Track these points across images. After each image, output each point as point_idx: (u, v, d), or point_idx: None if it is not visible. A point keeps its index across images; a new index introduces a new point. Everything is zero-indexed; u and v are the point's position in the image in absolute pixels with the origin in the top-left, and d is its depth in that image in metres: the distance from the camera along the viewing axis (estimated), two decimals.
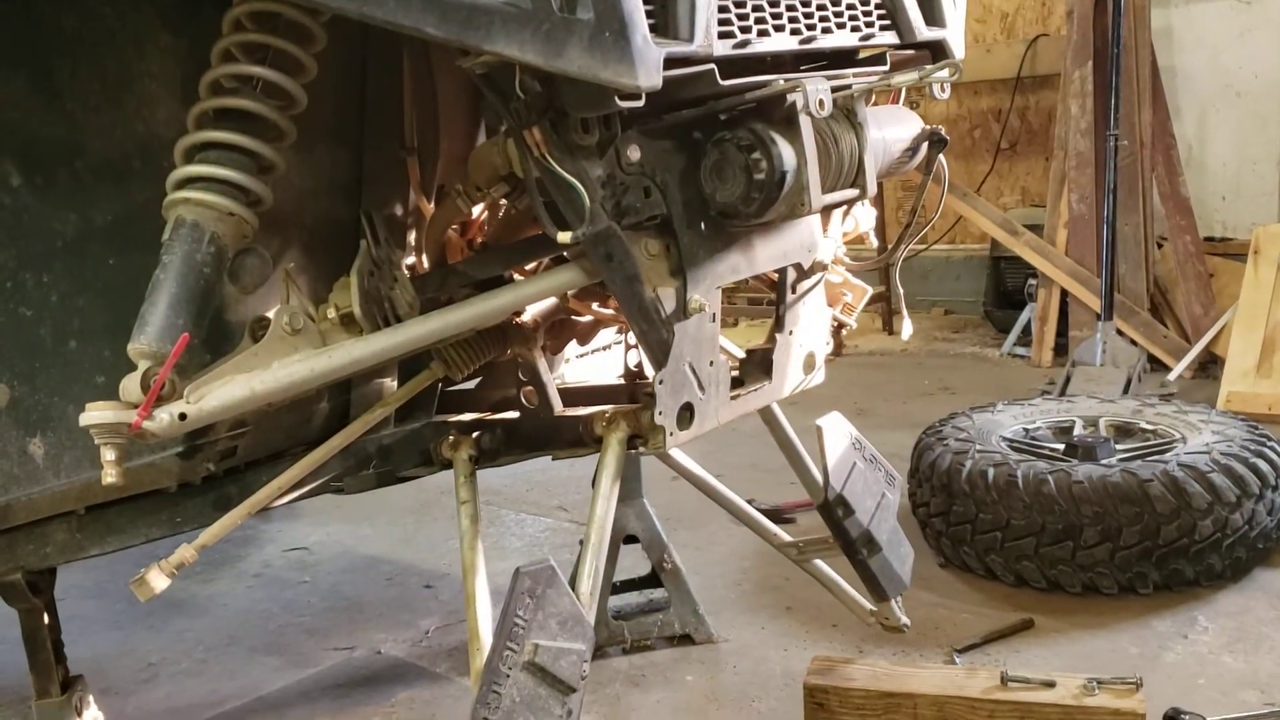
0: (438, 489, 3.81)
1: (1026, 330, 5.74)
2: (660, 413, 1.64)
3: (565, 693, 1.56)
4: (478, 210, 1.97)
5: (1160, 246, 5.42)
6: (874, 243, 2.37)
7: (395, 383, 2.01)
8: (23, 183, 1.61)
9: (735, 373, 1.90)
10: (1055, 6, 6.36)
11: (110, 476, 1.35)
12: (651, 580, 2.80)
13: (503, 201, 1.88)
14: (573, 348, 2.40)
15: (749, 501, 2.57)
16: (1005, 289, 6.12)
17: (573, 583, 1.65)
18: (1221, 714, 2.19)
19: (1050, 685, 2.06)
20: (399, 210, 1.91)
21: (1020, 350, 5.76)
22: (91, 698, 2.03)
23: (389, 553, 3.59)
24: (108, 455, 1.35)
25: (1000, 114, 6.64)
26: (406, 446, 2.05)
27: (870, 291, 2.34)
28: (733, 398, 1.81)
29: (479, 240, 2.04)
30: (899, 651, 2.61)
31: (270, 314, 1.56)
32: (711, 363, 1.72)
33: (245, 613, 3.19)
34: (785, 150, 1.57)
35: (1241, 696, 2.34)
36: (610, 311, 2.14)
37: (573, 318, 2.17)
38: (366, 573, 3.44)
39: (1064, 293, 5.48)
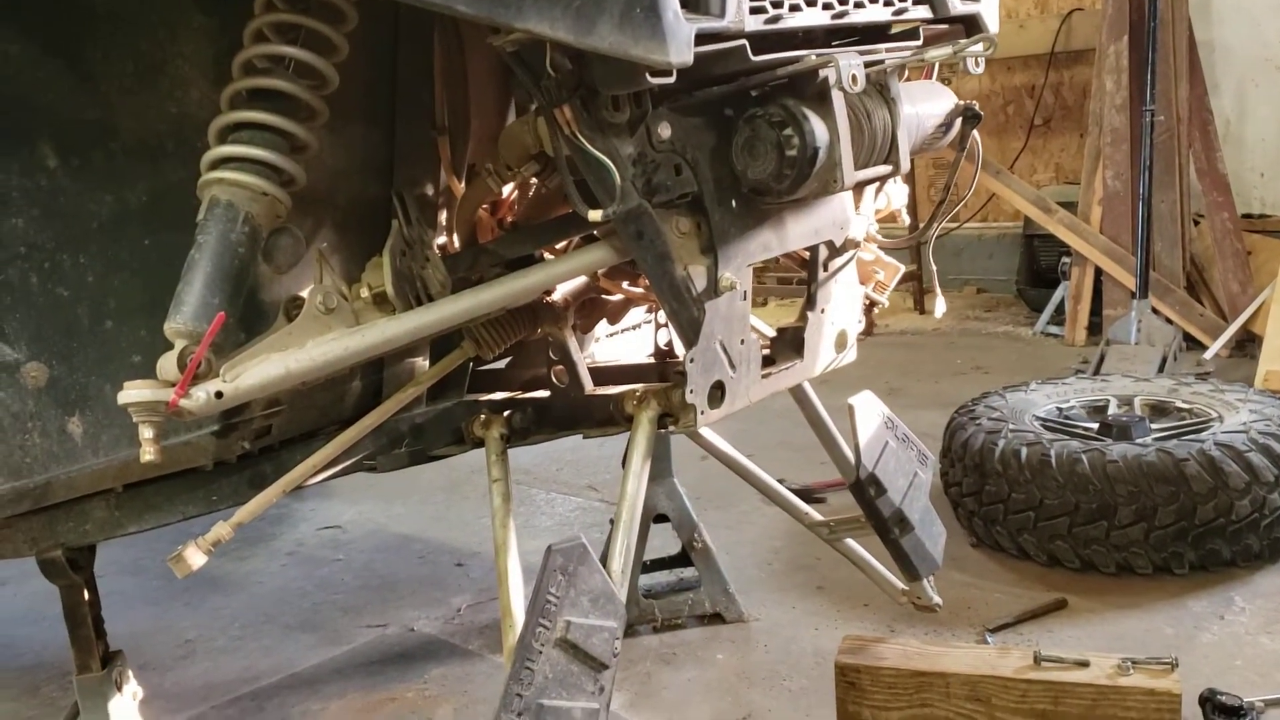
0: (468, 468, 3.83)
1: (1060, 309, 5.70)
2: (691, 391, 1.64)
3: (597, 670, 1.57)
4: (508, 190, 1.97)
5: (1197, 224, 5.35)
6: (906, 220, 2.36)
7: (427, 362, 2.02)
8: (59, 164, 1.62)
9: (766, 351, 1.90)
10: None
11: (148, 454, 1.36)
12: (682, 559, 2.80)
13: (533, 180, 1.88)
14: (602, 327, 2.39)
15: (779, 481, 2.57)
16: (1038, 267, 6.07)
17: (604, 560, 1.65)
18: (1259, 695, 2.17)
19: (1084, 665, 2.04)
20: (430, 190, 1.91)
21: (1053, 329, 5.71)
22: (131, 673, 2.06)
23: (421, 531, 3.61)
24: (145, 433, 1.36)
25: (1034, 90, 6.57)
26: (439, 425, 2.06)
27: (903, 269, 2.32)
28: (764, 376, 1.80)
29: (509, 220, 2.04)
30: (930, 631, 2.61)
31: (304, 293, 1.57)
32: (743, 341, 1.72)
33: (280, 590, 3.22)
34: (818, 126, 1.56)
35: (1279, 678, 2.31)
36: (640, 290, 2.14)
37: (603, 297, 2.17)
38: (399, 551, 3.46)
39: (1098, 271, 5.43)
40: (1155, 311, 4.96)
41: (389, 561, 3.38)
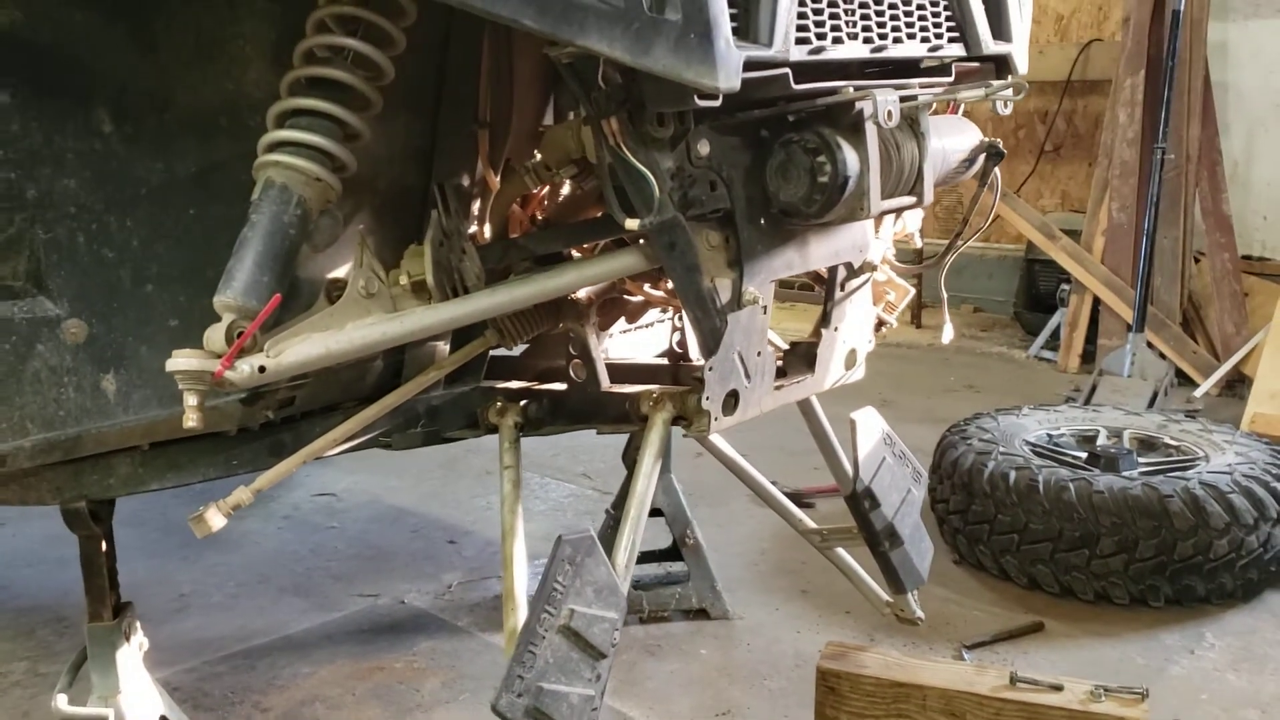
0: (465, 447, 3.88)
1: (1055, 335, 5.76)
2: (708, 398, 1.71)
3: (596, 658, 1.63)
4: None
5: (1197, 261, 5.42)
6: (919, 241, 2.41)
7: (448, 347, 2.07)
8: (113, 130, 1.66)
9: (779, 364, 1.96)
10: (1112, 12, 6.34)
11: (191, 420, 1.42)
12: (671, 553, 2.86)
13: (568, 182, 1.93)
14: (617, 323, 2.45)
15: (773, 483, 2.63)
16: (1037, 291, 6.14)
17: (609, 553, 1.71)
18: None
19: (1058, 689, 2.10)
20: (467, 181, 1.96)
21: (1047, 354, 5.78)
22: (139, 624, 2.11)
23: (415, 505, 3.67)
24: (190, 400, 1.42)
25: (1047, 116, 6.63)
26: (455, 409, 2.12)
27: (913, 292, 2.38)
28: (776, 388, 1.87)
29: (539, 215, 2.10)
30: (909, 643, 2.68)
31: (343, 274, 1.62)
32: (759, 353, 1.78)
33: (275, 553, 3.28)
34: (850, 156, 1.62)
35: (1242, 714, 2.39)
36: (661, 293, 2.19)
37: (624, 296, 2.23)
38: (393, 523, 3.52)
39: (1096, 300, 5.50)
40: (1150, 346, 5.03)
41: (383, 533, 3.44)
